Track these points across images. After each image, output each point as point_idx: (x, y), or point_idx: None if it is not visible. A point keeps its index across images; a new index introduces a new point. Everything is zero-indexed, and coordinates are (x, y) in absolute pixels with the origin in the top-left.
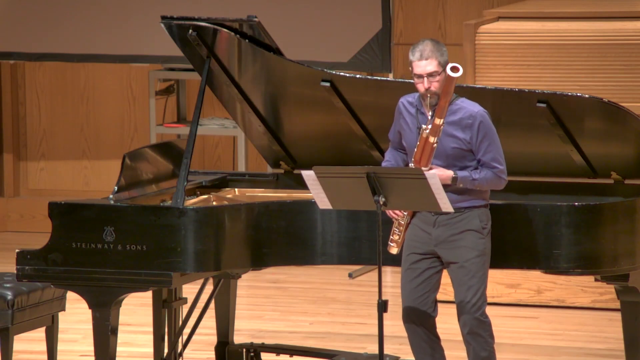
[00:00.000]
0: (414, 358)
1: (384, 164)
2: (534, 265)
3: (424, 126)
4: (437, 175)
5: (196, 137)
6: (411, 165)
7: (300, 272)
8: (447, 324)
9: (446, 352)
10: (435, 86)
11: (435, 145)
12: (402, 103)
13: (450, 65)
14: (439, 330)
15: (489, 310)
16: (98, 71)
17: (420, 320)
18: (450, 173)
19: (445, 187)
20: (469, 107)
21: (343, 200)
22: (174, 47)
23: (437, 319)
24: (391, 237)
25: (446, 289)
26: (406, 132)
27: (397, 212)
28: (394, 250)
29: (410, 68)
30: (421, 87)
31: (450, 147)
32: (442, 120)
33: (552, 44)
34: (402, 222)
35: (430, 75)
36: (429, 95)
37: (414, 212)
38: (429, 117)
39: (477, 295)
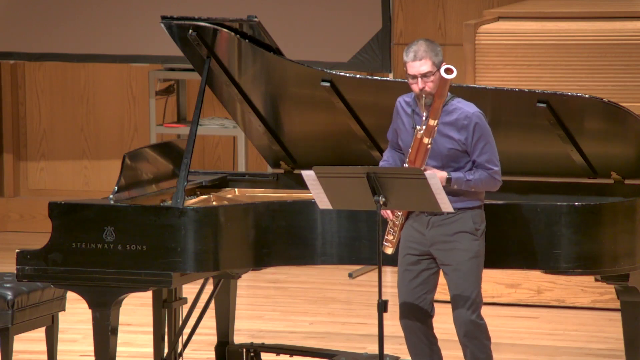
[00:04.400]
0: (410, 358)
1: (381, 163)
2: (534, 265)
3: (418, 127)
4: (437, 175)
5: (196, 137)
6: (406, 165)
7: (300, 272)
8: (445, 324)
9: (443, 352)
10: (429, 86)
11: (429, 146)
12: (400, 103)
13: (444, 67)
14: (436, 330)
15: (489, 310)
16: (98, 71)
17: (417, 320)
18: (444, 174)
19: None
20: (465, 107)
21: (343, 200)
22: (174, 47)
23: (434, 319)
24: (386, 237)
25: (444, 289)
26: (402, 132)
27: (390, 212)
28: (388, 250)
29: (405, 69)
30: (415, 88)
31: (446, 147)
32: (436, 121)
33: (552, 44)
34: (397, 223)
35: (424, 75)
36: (423, 95)
37: (409, 213)
38: (423, 118)
39: (472, 298)
